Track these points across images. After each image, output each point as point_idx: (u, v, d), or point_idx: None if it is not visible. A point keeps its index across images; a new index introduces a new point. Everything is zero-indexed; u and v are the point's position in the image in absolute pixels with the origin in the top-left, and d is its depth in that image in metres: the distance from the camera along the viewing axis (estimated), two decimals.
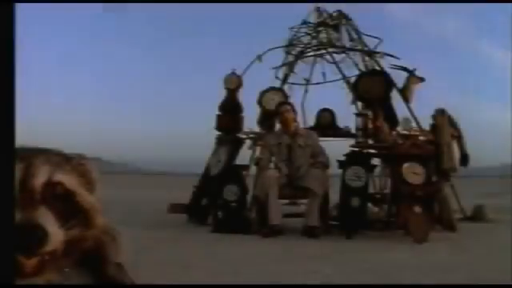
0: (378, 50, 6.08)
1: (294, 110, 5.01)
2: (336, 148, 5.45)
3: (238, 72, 5.95)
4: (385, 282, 2.76)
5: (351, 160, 4.82)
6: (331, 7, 6.57)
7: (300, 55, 6.41)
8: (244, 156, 5.67)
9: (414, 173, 4.38)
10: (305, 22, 6.56)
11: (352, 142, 5.18)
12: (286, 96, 5.73)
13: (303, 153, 4.79)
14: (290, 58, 6.44)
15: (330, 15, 6.50)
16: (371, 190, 5.80)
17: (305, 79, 6.90)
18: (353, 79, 5.97)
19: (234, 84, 5.83)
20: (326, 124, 5.61)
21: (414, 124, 5.29)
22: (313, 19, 6.58)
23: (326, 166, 4.74)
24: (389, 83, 5.38)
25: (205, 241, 4.23)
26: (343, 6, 6.55)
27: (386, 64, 5.82)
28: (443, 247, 4.00)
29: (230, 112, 5.72)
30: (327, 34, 6.39)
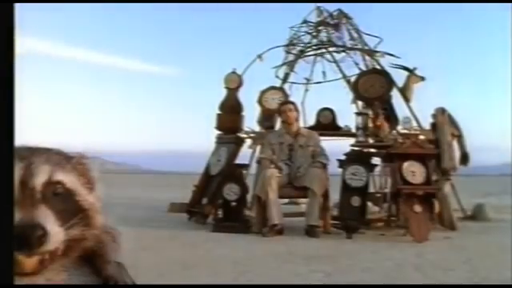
0: (378, 48, 6.09)
1: (296, 110, 4.99)
2: (336, 147, 5.45)
3: (239, 71, 5.96)
4: (385, 281, 2.76)
5: (351, 159, 4.82)
6: (332, 6, 6.58)
7: (300, 54, 6.41)
8: (244, 155, 5.68)
9: (414, 172, 4.38)
10: (305, 21, 6.56)
11: (352, 141, 5.18)
12: (286, 95, 5.72)
13: (304, 153, 4.78)
14: (291, 57, 6.44)
15: (331, 14, 6.50)
16: (371, 189, 5.80)
17: (305, 78, 6.92)
18: (353, 78, 5.97)
19: (234, 83, 5.83)
20: (327, 123, 5.61)
21: (414, 123, 5.29)
22: (313, 18, 6.58)
23: (324, 165, 4.73)
24: (389, 82, 5.38)
25: (205, 240, 4.22)
26: (344, 6, 6.57)
27: (386, 63, 5.83)
28: (443, 246, 4.00)
29: (230, 111, 5.72)
30: (327, 33, 6.40)
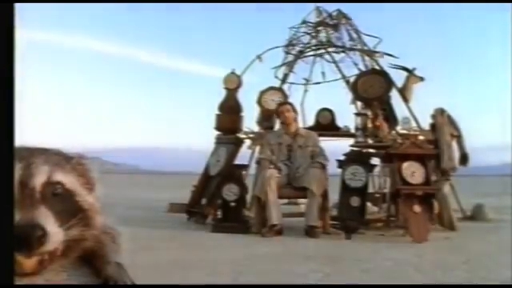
0: (377, 49, 6.09)
1: (294, 110, 5.01)
2: (336, 148, 5.45)
3: (238, 72, 5.96)
4: (385, 281, 2.75)
5: (351, 159, 4.82)
6: (331, 7, 6.59)
7: (300, 55, 6.41)
8: (244, 156, 5.68)
9: (413, 172, 4.38)
10: (304, 22, 6.56)
11: (351, 141, 5.19)
12: (285, 96, 5.73)
13: (303, 153, 4.79)
14: (290, 58, 6.44)
15: (330, 15, 6.50)
16: (371, 189, 5.80)
17: (304, 79, 6.91)
18: (352, 79, 5.97)
19: (233, 84, 5.83)
20: (326, 123, 5.61)
21: (413, 123, 5.29)
22: (313, 19, 6.58)
23: (323, 165, 4.73)
24: (388, 83, 5.38)
25: (204, 241, 4.22)
26: (343, 6, 6.57)
27: (385, 63, 5.84)
28: (443, 247, 4.00)
29: (229, 112, 5.72)
30: (327, 33, 6.39)
